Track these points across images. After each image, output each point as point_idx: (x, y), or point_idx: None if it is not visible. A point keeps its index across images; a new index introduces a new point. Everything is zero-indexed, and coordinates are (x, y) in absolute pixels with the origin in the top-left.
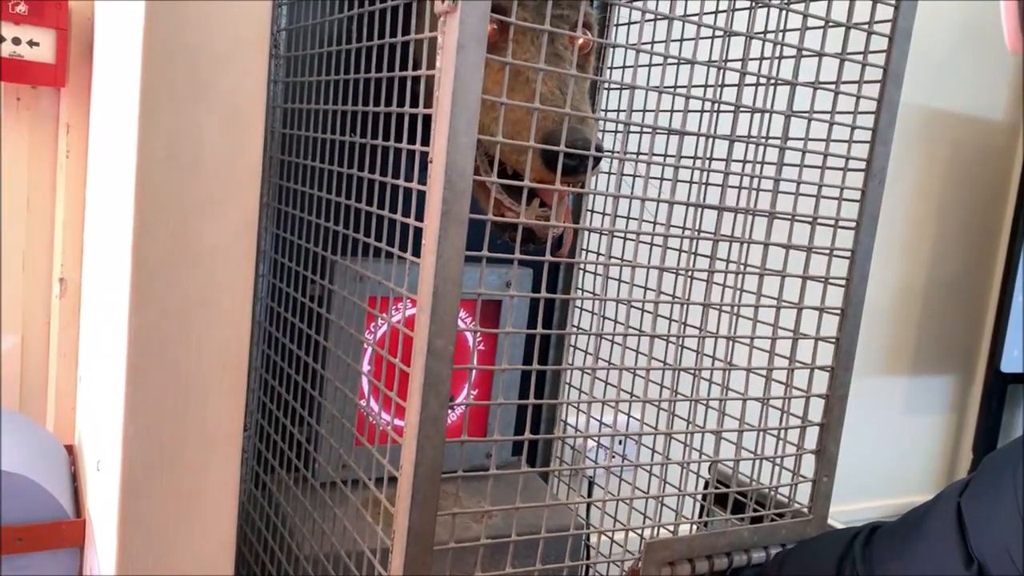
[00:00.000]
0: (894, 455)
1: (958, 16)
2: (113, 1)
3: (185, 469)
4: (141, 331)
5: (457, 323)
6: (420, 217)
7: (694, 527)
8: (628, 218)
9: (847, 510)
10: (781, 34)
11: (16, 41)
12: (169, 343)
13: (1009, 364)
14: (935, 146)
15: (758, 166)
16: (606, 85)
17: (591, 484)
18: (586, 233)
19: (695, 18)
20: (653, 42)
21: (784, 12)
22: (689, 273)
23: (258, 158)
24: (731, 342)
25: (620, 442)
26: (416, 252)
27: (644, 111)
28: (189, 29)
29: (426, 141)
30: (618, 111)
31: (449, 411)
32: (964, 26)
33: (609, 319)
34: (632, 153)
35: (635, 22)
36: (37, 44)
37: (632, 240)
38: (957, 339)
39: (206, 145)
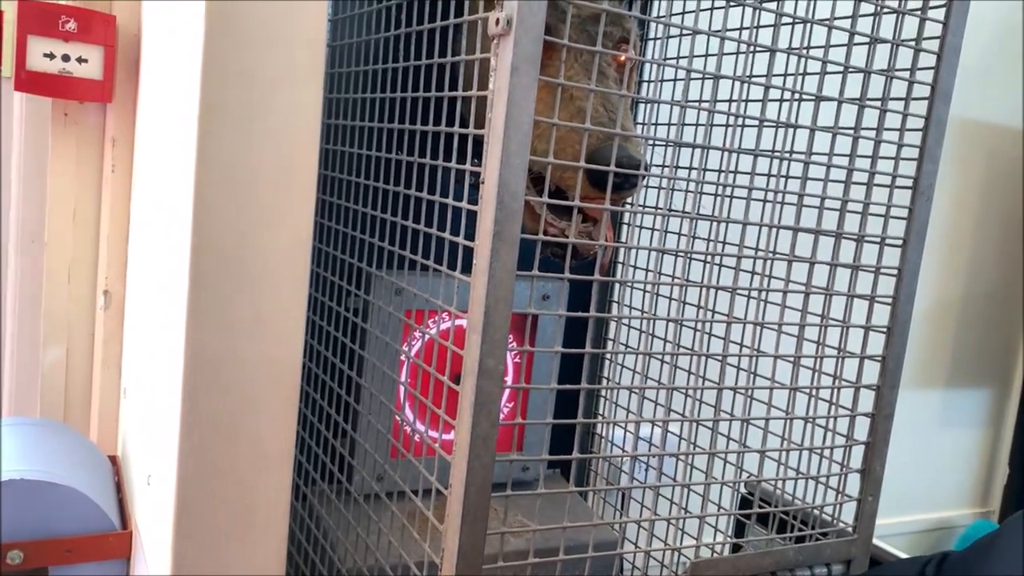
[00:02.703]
0: (930, 469)
1: (992, 26)
2: (163, 19)
3: (238, 485)
4: (197, 349)
5: (507, 342)
6: (463, 233)
7: (730, 546)
8: (666, 232)
9: (882, 524)
10: (826, 51)
11: (66, 58)
12: (224, 361)
13: None
14: (972, 157)
15: (803, 183)
16: (645, 98)
17: (625, 497)
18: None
19: (735, 34)
20: (692, 56)
21: (830, 29)
22: (734, 290)
23: (312, 179)
24: (775, 359)
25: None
26: (463, 268)
27: (681, 125)
28: (247, 53)
29: (469, 159)
30: (653, 125)
31: None
32: (999, 35)
33: (647, 333)
34: (677, 167)
35: (672, 36)
36: (86, 61)
37: (670, 255)
38: (993, 352)
39: (262, 166)
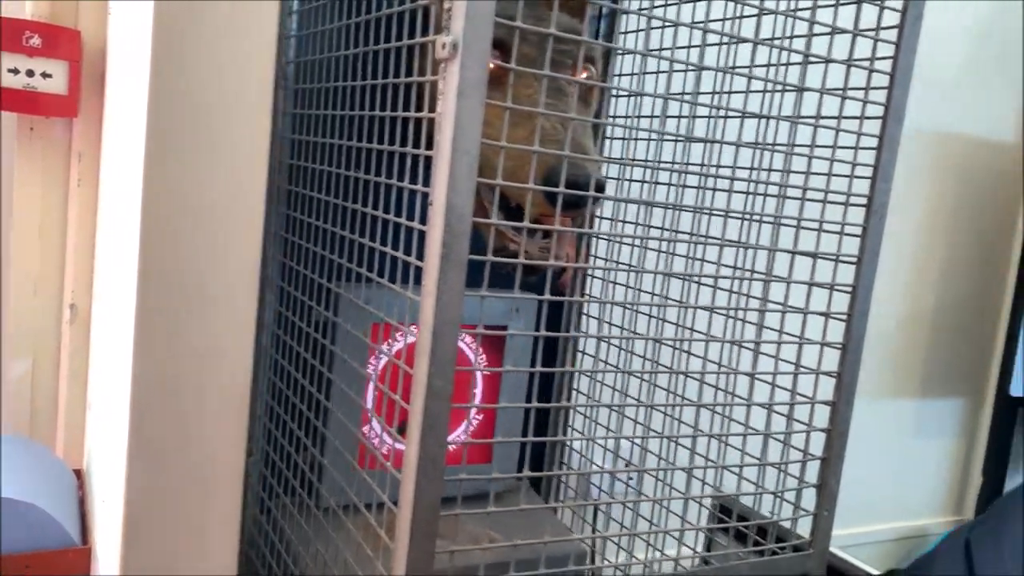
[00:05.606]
0: (903, 478)
1: (965, 38)
2: (122, 37)
3: (187, 507)
4: (145, 372)
5: (455, 363)
6: (419, 254)
7: (696, 559)
8: (638, 244)
9: (856, 532)
10: (781, 70)
11: (30, 73)
12: (173, 385)
13: (1018, 388)
14: (944, 170)
15: (759, 200)
16: (614, 93)
17: (595, 508)
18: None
19: (682, 54)
20: (643, 74)
21: (788, 52)
22: (685, 305)
23: (260, 208)
24: (735, 375)
25: (625, 465)
26: (418, 284)
27: (635, 141)
28: (195, 82)
29: (428, 180)
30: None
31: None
32: (972, 48)
33: (617, 347)
34: (631, 181)
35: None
36: (50, 76)
37: (624, 269)
38: (966, 362)
39: (211, 195)
